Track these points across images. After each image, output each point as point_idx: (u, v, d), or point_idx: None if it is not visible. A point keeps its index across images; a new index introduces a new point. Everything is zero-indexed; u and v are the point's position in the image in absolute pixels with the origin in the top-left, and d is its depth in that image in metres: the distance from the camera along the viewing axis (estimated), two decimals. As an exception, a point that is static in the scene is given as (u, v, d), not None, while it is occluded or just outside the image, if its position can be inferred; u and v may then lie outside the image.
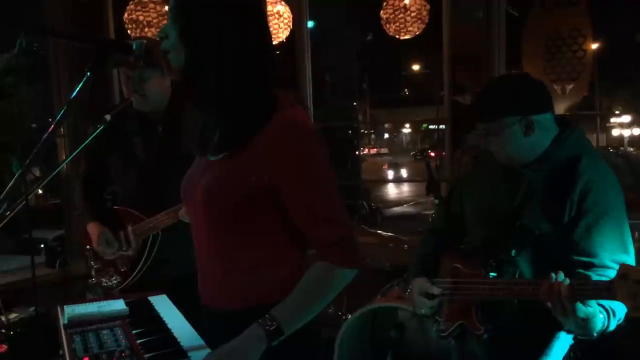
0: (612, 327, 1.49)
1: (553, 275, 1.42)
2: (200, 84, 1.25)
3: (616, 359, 2.71)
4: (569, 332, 1.59)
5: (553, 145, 1.66)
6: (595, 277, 1.49)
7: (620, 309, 1.47)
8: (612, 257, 1.53)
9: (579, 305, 1.38)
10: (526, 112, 1.62)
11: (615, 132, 24.05)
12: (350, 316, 2.76)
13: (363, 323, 2.90)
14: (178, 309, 1.63)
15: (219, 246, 1.33)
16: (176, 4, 1.24)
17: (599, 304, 1.44)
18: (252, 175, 1.23)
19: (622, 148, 21.94)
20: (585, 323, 1.43)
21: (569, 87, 3.64)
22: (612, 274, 1.47)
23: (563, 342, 1.71)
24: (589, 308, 1.39)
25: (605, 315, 1.46)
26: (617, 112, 21.45)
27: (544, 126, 1.65)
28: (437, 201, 2.83)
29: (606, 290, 1.32)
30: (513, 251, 1.65)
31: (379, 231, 3.40)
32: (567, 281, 1.39)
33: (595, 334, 1.48)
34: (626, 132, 23.80)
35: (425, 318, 1.87)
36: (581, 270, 1.52)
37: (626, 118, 22.37)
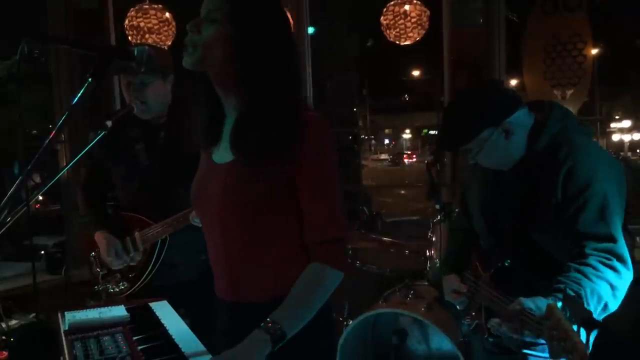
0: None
1: (514, 302, 1.43)
2: (250, 87, 1.27)
3: (616, 359, 2.70)
4: None
5: (531, 138, 1.64)
6: (572, 270, 1.48)
7: (593, 298, 1.45)
8: (595, 245, 1.51)
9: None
10: (499, 119, 1.61)
11: (616, 137, 24.06)
12: (351, 322, 2.75)
13: (364, 329, 2.90)
14: (185, 312, 1.63)
15: (232, 244, 1.35)
16: (232, 9, 1.26)
17: (555, 295, 1.43)
18: (276, 173, 1.27)
19: (622, 153, 21.94)
20: None
21: (569, 92, 3.65)
22: (592, 261, 1.48)
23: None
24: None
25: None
26: (617, 117, 21.48)
27: (521, 123, 1.64)
28: (437, 206, 2.82)
29: (536, 329, 1.32)
30: (507, 261, 1.67)
31: (379, 236, 3.39)
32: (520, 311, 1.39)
33: None
34: (626, 137, 23.81)
35: (460, 313, 1.89)
36: (571, 263, 1.51)
37: (626, 123, 22.40)
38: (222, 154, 1.37)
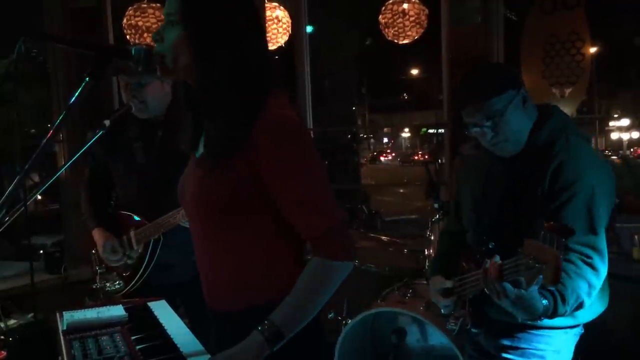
0: (561, 311, 1.49)
1: (487, 260, 1.45)
2: (203, 88, 1.25)
3: (616, 359, 2.71)
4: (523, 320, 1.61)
5: (531, 131, 1.67)
6: None
7: (572, 296, 1.48)
8: (577, 239, 1.50)
9: (507, 286, 1.38)
10: (519, 84, 1.67)
11: (614, 136, 24.10)
12: (350, 321, 2.75)
13: (363, 328, 2.90)
14: (183, 312, 1.62)
15: (212, 247, 1.33)
16: (184, 9, 1.24)
17: (546, 289, 1.44)
18: (237, 175, 1.23)
19: (620, 151, 22.00)
20: (520, 304, 1.43)
21: (568, 90, 3.65)
22: (573, 257, 1.50)
23: (565, 335, 1.72)
24: (521, 291, 1.38)
25: (551, 300, 1.46)
26: (615, 115, 21.52)
27: (530, 101, 1.68)
28: (436, 205, 2.82)
29: (515, 269, 1.34)
30: (491, 244, 1.67)
31: (378, 235, 3.39)
32: (498, 261, 1.41)
33: (538, 317, 1.49)
34: (625, 136, 23.86)
35: (445, 317, 1.89)
36: None
37: (625, 121, 22.45)
38: (201, 148, 1.35)
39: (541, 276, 1.25)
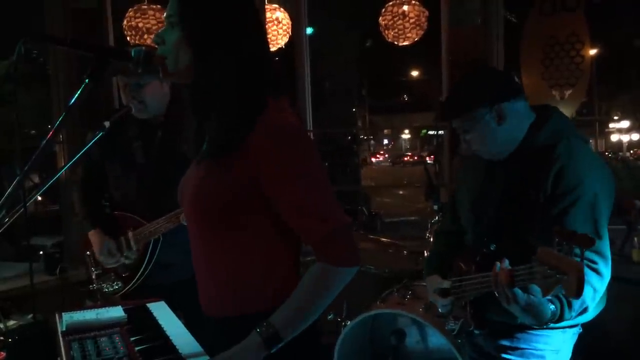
0: (567, 316, 1.49)
1: (498, 264, 1.42)
2: (202, 89, 1.26)
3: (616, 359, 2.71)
4: (522, 322, 1.62)
5: (530, 132, 1.65)
6: None
7: (578, 302, 1.47)
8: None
9: (518, 292, 1.37)
10: (494, 101, 1.63)
11: (614, 138, 24.11)
12: (349, 322, 2.75)
13: (362, 329, 2.89)
14: (180, 313, 1.63)
15: (209, 248, 1.32)
16: (182, 10, 1.25)
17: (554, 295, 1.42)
18: (235, 176, 1.23)
19: (620, 153, 22.01)
20: (530, 311, 1.42)
21: (567, 92, 3.65)
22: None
23: (564, 335, 1.72)
24: (531, 297, 1.38)
25: (558, 305, 1.46)
26: (615, 117, 21.52)
27: (517, 113, 1.65)
28: (435, 207, 2.83)
29: (529, 276, 1.32)
30: (492, 245, 1.67)
31: (378, 237, 3.39)
32: (508, 267, 1.39)
33: (545, 323, 1.49)
34: (625, 138, 23.86)
35: (443, 317, 1.88)
36: None
37: (625, 123, 22.45)
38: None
39: (560, 286, 1.22)
